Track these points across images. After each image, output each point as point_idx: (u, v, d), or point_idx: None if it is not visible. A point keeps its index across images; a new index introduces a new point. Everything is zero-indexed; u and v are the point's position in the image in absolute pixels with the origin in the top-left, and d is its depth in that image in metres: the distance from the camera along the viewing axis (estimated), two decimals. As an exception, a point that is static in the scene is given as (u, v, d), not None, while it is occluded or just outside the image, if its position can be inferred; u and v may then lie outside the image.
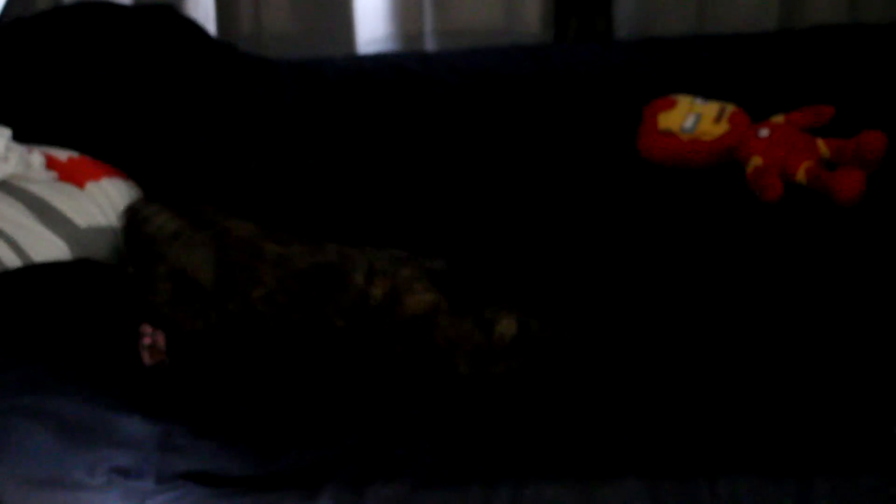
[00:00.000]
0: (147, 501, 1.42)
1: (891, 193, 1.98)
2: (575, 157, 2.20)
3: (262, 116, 2.37)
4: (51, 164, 1.94)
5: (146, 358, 1.66)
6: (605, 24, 2.98)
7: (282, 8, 3.00)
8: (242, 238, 1.75)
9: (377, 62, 2.71)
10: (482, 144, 2.28)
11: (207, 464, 1.45)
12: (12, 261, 1.74)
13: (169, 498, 1.42)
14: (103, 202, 1.90)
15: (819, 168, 2.04)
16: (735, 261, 1.86)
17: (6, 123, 1.93)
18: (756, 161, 2.07)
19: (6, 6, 2.36)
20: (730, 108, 2.20)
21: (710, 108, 2.20)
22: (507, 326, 1.62)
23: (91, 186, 1.92)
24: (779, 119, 2.17)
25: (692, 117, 2.18)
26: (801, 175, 2.04)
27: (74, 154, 2.00)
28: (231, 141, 2.28)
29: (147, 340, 1.68)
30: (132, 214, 1.86)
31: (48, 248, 1.78)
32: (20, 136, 1.94)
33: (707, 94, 2.26)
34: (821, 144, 2.09)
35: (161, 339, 1.69)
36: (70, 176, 1.93)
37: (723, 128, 2.16)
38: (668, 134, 2.17)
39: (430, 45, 2.98)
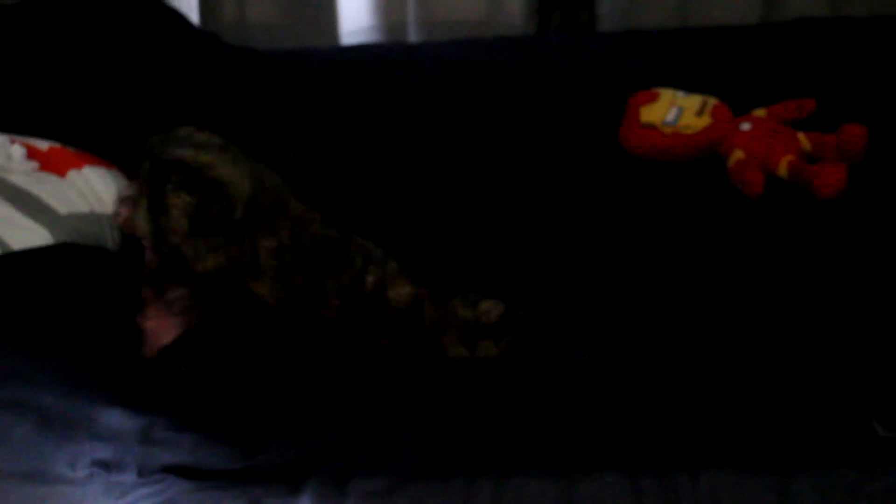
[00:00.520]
0: (129, 495, 1.42)
1: (872, 187, 1.99)
2: (557, 150, 2.20)
3: (245, 107, 2.36)
4: (31, 154, 1.92)
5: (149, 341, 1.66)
6: (588, 16, 2.99)
7: (264, -2, 3.00)
8: (272, 186, 1.74)
9: (362, 53, 2.71)
10: (466, 135, 2.28)
11: (189, 457, 1.45)
12: (-7, 252, 1.73)
13: (151, 491, 1.42)
14: (85, 189, 1.89)
15: (800, 162, 2.05)
16: (716, 255, 1.86)
17: (-14, 114, 1.91)
18: (738, 155, 2.07)
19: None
20: (712, 102, 2.20)
21: (693, 102, 2.20)
22: (493, 304, 1.66)
23: (72, 174, 1.90)
24: (761, 112, 2.18)
25: (674, 111, 2.18)
26: (782, 169, 2.04)
27: (56, 144, 1.99)
28: (214, 131, 2.26)
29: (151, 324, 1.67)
30: (162, 136, 1.81)
31: (29, 236, 1.76)
32: (0, 127, 1.92)
33: (689, 87, 2.26)
34: (802, 138, 2.10)
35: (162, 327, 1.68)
36: (51, 165, 1.91)
37: (705, 121, 2.16)
38: (651, 127, 2.17)
39: (412, 36, 2.98)
